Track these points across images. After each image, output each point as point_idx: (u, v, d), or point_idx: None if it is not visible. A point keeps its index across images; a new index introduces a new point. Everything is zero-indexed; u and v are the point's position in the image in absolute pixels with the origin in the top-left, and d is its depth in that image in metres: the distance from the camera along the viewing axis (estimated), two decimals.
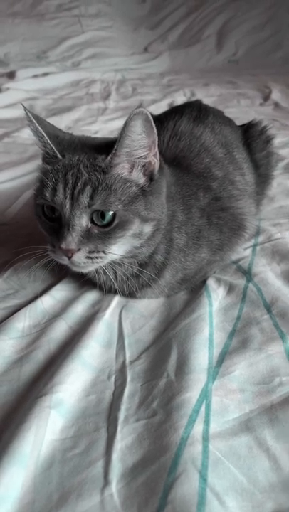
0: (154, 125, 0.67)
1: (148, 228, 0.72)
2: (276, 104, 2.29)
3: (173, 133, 0.92)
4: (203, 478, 0.50)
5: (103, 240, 0.68)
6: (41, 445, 0.54)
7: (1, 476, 0.49)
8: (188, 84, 2.67)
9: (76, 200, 0.66)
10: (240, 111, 2.10)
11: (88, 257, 0.69)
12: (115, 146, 0.67)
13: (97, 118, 2.00)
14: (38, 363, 0.68)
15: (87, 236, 0.68)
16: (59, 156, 0.71)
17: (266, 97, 2.40)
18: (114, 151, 0.68)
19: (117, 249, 0.71)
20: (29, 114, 0.69)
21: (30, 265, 0.89)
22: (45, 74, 2.58)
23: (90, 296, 0.84)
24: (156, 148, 0.71)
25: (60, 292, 0.85)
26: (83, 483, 0.51)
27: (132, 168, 0.70)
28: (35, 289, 0.86)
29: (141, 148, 0.69)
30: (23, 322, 0.76)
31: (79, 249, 0.67)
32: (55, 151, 0.71)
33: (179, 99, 2.30)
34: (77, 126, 1.84)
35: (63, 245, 0.66)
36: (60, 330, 0.75)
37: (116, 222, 0.68)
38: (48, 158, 0.73)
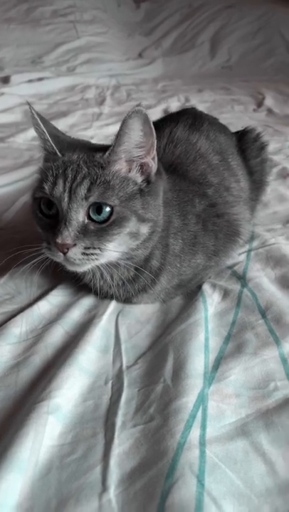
0: (152, 127, 0.68)
1: (145, 229, 0.73)
2: (269, 110, 2.32)
3: (169, 140, 0.93)
4: (201, 483, 0.50)
5: (99, 236, 0.69)
6: (39, 451, 0.54)
7: None
8: (182, 89, 2.69)
9: (74, 192, 0.67)
10: (234, 116, 2.12)
11: (84, 253, 0.69)
12: (113, 143, 0.69)
13: (92, 123, 2.00)
14: (35, 368, 0.69)
15: (83, 232, 0.68)
16: (58, 153, 0.73)
17: (259, 103, 2.43)
18: (112, 148, 0.69)
19: (114, 248, 0.71)
20: (33, 110, 0.72)
21: (26, 270, 0.90)
22: (40, 79, 2.58)
23: (86, 302, 0.84)
24: (155, 152, 0.72)
25: (56, 297, 0.85)
26: (81, 488, 0.51)
27: (130, 167, 0.72)
28: (31, 294, 0.86)
29: (138, 147, 0.70)
30: (19, 327, 0.76)
31: (74, 245, 0.67)
32: (55, 148, 0.73)
33: (174, 104, 2.32)
34: (72, 132, 1.84)
35: (59, 240, 0.67)
36: (57, 335, 0.75)
37: (113, 218, 0.68)
38: (48, 155, 0.75)
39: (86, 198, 0.67)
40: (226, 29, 3.47)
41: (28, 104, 0.75)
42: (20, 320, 0.78)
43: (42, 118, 0.74)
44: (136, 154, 0.71)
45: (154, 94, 2.58)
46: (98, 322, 0.78)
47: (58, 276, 0.87)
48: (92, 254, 0.69)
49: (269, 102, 2.43)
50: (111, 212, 0.68)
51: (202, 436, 0.56)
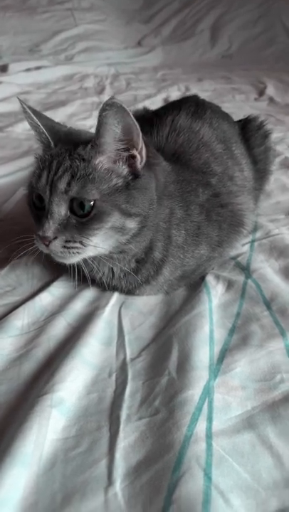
0: (133, 119, 0.65)
1: (132, 224, 0.71)
2: (271, 99, 2.29)
3: (172, 128, 0.91)
4: (208, 476, 0.50)
5: (80, 230, 0.68)
6: (43, 445, 0.53)
7: (2, 478, 0.48)
8: (182, 78, 2.65)
9: (54, 185, 0.67)
10: (235, 106, 2.09)
11: (65, 247, 0.68)
12: (94, 136, 0.68)
13: (91, 113, 1.97)
14: (37, 361, 0.68)
15: (65, 225, 0.68)
16: (52, 144, 0.72)
17: (261, 92, 2.39)
18: (93, 140, 0.68)
19: (101, 243, 0.70)
20: (24, 105, 0.71)
21: (26, 261, 0.89)
22: (38, 67, 2.54)
23: (89, 293, 0.83)
24: (142, 145, 0.70)
25: (58, 289, 0.83)
26: (87, 482, 0.50)
27: (114, 160, 0.70)
28: (32, 286, 0.85)
29: (118, 140, 0.68)
30: (21, 320, 0.75)
31: (55, 238, 0.68)
32: (50, 139, 0.72)
33: (174, 94, 2.29)
34: (71, 121, 1.82)
35: (40, 232, 0.67)
36: (60, 327, 0.74)
37: (93, 213, 0.67)
38: (44, 148, 0.74)
39: (66, 192, 0.67)
40: (226, 17, 3.42)
41: (19, 99, 0.74)
42: (22, 312, 0.76)
43: (34, 111, 0.73)
44: (118, 147, 0.69)
45: (154, 83, 2.55)
46: (101, 314, 0.77)
47: (59, 267, 0.86)
48: (72, 247, 0.69)
49: (270, 90, 2.40)
50: (92, 207, 0.67)
51: (208, 429, 0.56)
